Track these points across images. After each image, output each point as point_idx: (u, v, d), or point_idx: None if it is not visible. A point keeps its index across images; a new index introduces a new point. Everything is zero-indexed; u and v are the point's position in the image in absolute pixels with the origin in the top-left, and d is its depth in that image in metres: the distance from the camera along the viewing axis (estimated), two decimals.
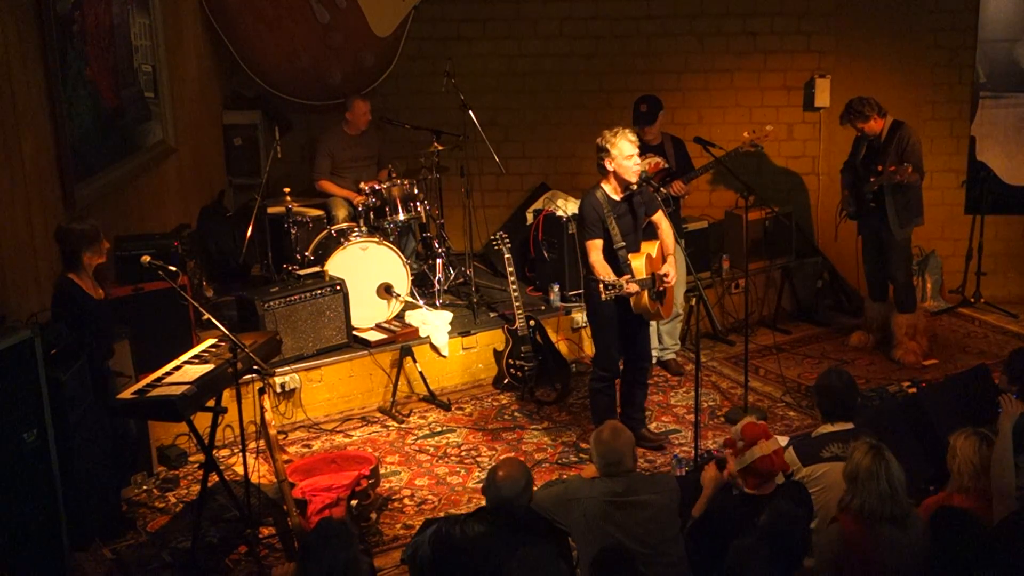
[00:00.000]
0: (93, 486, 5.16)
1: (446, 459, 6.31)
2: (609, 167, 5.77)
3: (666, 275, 5.81)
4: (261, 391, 5.65)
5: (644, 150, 6.82)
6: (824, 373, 4.96)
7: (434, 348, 7.15)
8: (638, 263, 5.77)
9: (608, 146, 5.72)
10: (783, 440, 6.01)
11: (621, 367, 6.17)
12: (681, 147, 7.22)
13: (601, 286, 5.48)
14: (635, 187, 5.80)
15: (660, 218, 6.00)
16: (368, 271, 7.19)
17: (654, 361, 7.23)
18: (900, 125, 7.15)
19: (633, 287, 5.59)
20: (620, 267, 5.74)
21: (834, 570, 4.04)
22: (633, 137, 5.74)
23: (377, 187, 7.58)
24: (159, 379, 5.04)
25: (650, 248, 5.94)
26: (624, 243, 5.77)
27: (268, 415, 5.46)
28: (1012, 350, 5.47)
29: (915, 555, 4.02)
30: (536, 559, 3.94)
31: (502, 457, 6.03)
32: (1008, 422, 4.53)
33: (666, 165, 7.03)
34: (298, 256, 7.38)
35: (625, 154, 5.70)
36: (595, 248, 5.76)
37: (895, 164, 7.02)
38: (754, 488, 4.41)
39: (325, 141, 8.06)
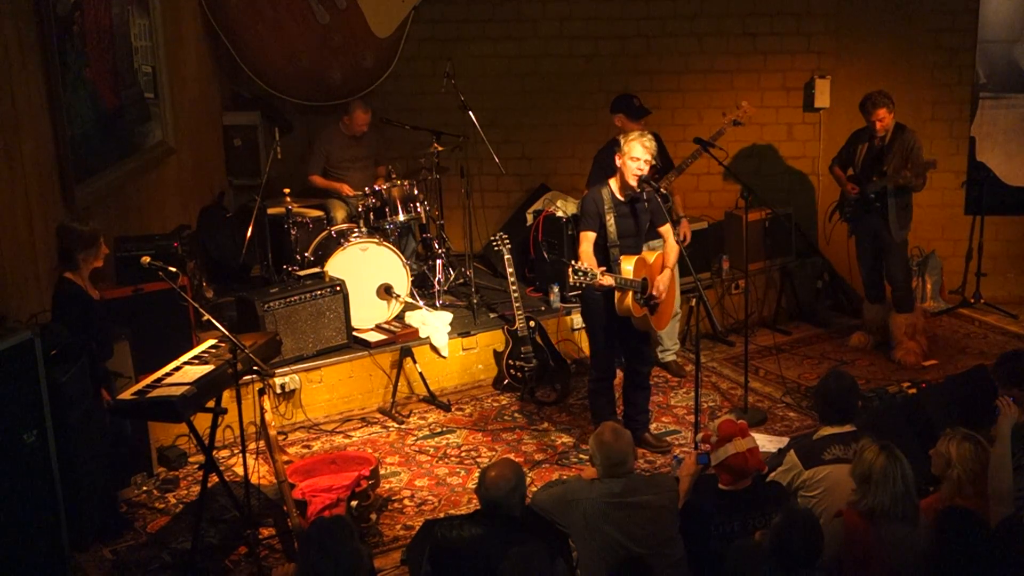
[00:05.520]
0: (93, 486, 5.16)
1: (446, 460, 6.31)
2: (617, 162, 5.81)
3: (657, 288, 5.83)
4: (261, 392, 5.66)
5: None
6: (828, 375, 4.94)
7: (434, 349, 7.15)
8: (628, 265, 5.77)
9: (623, 141, 5.77)
10: (782, 441, 6.05)
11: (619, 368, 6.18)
12: (659, 142, 7.22)
13: (570, 269, 5.48)
14: (636, 190, 5.81)
15: (667, 231, 6.00)
16: (368, 272, 7.19)
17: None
18: (903, 128, 7.18)
19: (607, 280, 5.58)
20: (610, 265, 5.75)
21: (835, 564, 4.05)
22: (649, 144, 5.74)
23: (377, 188, 7.59)
24: (159, 380, 5.03)
25: (649, 256, 5.94)
26: (619, 243, 5.78)
27: (268, 416, 5.46)
28: (1000, 355, 5.44)
29: (917, 553, 4.03)
30: (528, 558, 3.94)
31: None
32: (1007, 425, 4.53)
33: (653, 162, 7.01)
34: (298, 257, 7.38)
35: (632, 155, 5.72)
36: (586, 239, 5.80)
37: (900, 166, 7.05)
38: (728, 484, 4.43)
39: (322, 139, 8.07)
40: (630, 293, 5.74)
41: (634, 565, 3.81)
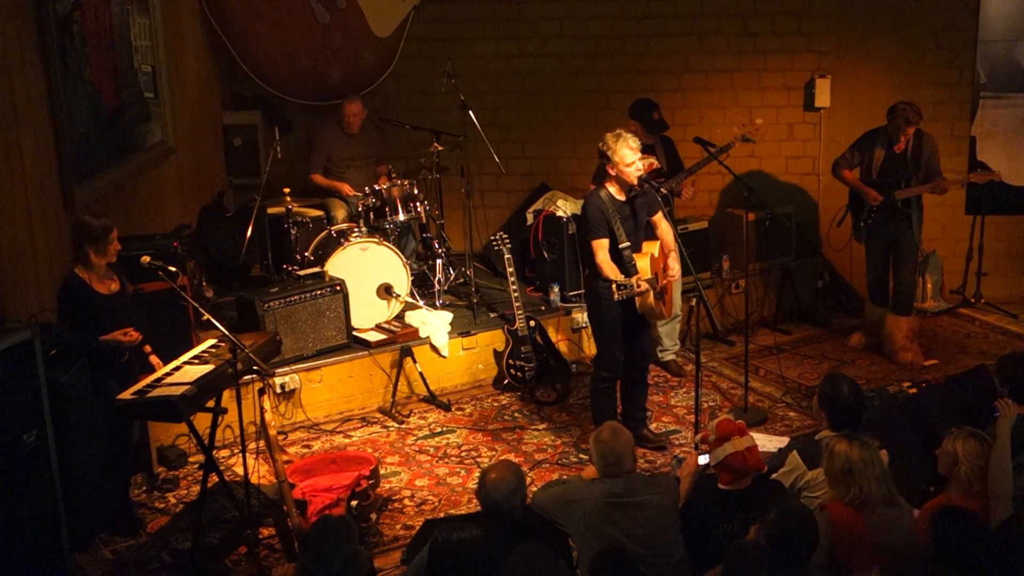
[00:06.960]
0: (93, 486, 5.15)
1: (446, 459, 6.30)
2: (611, 172, 5.79)
3: (668, 268, 5.83)
4: (261, 392, 5.65)
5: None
6: (831, 382, 4.84)
7: (434, 348, 7.15)
8: (643, 263, 5.78)
9: (610, 153, 5.74)
10: (783, 441, 6.04)
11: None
12: (671, 145, 7.23)
13: (614, 286, 5.48)
14: (638, 188, 5.81)
15: (659, 218, 6.01)
16: (368, 271, 7.19)
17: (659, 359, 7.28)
18: (922, 133, 7.15)
19: (644, 286, 5.61)
20: (626, 267, 5.75)
21: (827, 555, 4.05)
22: (634, 143, 5.75)
23: (377, 187, 7.59)
24: (159, 379, 5.03)
25: (652, 248, 5.94)
26: (628, 243, 5.78)
27: (268, 416, 5.45)
28: (1002, 355, 5.44)
29: (907, 532, 4.07)
30: (532, 558, 3.94)
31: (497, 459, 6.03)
32: (1006, 425, 4.53)
33: (659, 165, 7.02)
34: (298, 256, 7.38)
35: (626, 161, 5.72)
36: (601, 248, 5.77)
37: (929, 174, 7.13)
38: (728, 484, 4.43)
39: (323, 138, 8.08)
40: (651, 291, 5.74)
41: (612, 554, 3.81)
